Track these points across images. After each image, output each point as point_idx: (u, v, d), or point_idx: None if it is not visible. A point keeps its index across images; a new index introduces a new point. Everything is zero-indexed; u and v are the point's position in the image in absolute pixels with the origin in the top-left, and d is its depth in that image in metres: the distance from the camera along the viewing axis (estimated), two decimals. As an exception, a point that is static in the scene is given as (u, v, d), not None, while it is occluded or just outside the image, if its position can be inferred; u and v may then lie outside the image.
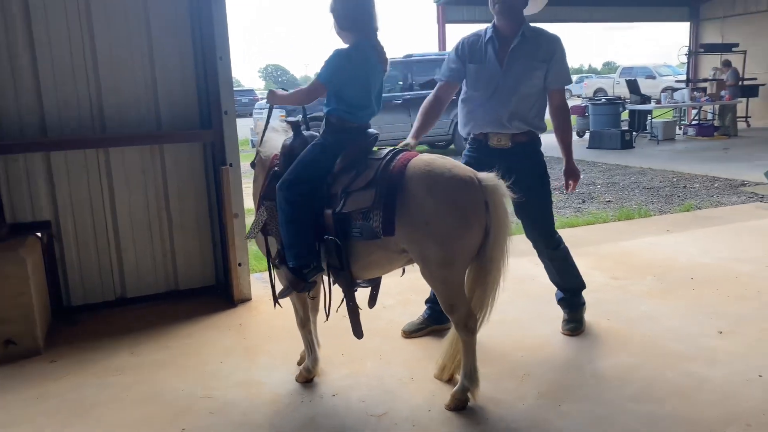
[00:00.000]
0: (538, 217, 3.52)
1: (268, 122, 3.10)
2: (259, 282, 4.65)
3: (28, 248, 3.71)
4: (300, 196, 2.73)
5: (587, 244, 4.28)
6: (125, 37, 4.09)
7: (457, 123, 13.84)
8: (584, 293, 3.76)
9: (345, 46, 2.84)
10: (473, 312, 2.77)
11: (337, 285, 2.90)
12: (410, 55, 13.37)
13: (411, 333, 3.67)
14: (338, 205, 2.69)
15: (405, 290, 4.30)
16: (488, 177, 2.66)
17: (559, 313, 3.75)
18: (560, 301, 3.74)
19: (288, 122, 3.06)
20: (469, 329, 2.76)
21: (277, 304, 3.13)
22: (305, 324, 3.13)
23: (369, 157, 2.79)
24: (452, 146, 13.17)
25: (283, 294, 2.94)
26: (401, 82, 12.98)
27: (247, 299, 4.34)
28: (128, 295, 4.35)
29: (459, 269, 2.71)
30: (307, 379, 3.14)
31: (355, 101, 2.83)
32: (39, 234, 4.01)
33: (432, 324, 3.67)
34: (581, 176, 3.68)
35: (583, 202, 7.83)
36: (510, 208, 2.79)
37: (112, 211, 4.23)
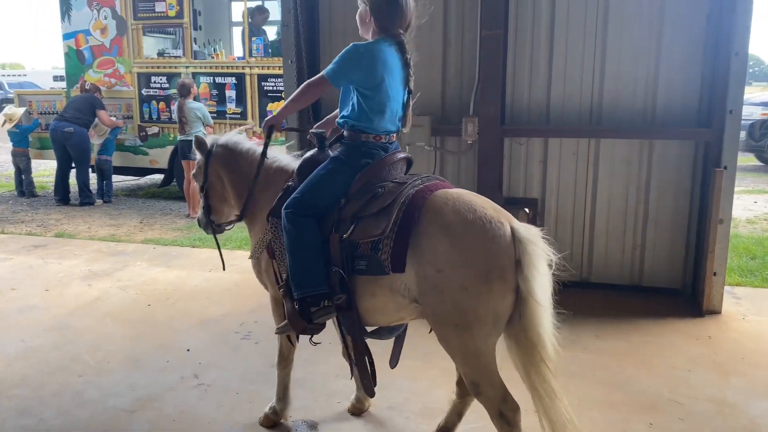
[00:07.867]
0: None
1: (264, 153, 2.71)
2: (730, 296, 4.31)
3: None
4: (307, 218, 2.39)
5: None
6: (636, 36, 4.21)
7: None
8: None
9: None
10: (510, 397, 2.23)
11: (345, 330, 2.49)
12: None
13: None
14: (346, 231, 2.32)
15: None
16: (524, 227, 2.18)
17: None
18: None
19: (313, 134, 2.65)
20: (505, 420, 2.21)
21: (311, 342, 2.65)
22: (285, 366, 2.84)
23: (393, 181, 2.40)
24: None
25: (281, 330, 2.59)
26: None
27: (716, 311, 4.07)
28: (591, 280, 4.56)
29: (479, 337, 2.17)
30: (274, 422, 2.86)
31: (372, 107, 2.43)
32: (527, 209, 4.52)
33: None
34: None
35: None
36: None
37: (593, 198, 4.48)
